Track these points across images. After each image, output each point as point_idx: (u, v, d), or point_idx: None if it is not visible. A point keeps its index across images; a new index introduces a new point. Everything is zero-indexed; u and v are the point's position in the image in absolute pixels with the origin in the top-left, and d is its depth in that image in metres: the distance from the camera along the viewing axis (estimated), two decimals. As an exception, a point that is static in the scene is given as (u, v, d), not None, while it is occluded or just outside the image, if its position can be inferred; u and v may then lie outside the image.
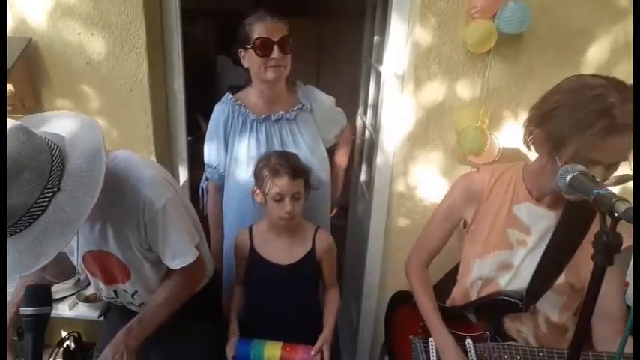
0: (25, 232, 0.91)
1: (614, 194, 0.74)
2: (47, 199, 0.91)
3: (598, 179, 0.82)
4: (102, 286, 1.34)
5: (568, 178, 0.84)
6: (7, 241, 0.91)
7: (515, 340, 1.20)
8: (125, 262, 1.23)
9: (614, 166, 0.99)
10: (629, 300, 1.70)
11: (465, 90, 1.61)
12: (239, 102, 1.67)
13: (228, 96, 1.70)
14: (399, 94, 1.75)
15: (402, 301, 1.45)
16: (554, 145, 1.01)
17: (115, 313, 1.46)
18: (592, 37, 1.55)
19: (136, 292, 1.32)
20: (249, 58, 1.59)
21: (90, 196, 0.94)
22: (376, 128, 1.95)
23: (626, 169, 1.01)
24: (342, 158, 1.92)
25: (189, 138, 2.00)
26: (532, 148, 1.11)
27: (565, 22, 1.54)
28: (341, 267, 2.79)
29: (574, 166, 0.86)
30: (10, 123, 0.92)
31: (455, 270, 1.39)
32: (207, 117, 1.77)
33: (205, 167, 1.78)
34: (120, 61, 1.69)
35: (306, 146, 1.69)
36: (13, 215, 0.89)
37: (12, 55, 1.60)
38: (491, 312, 1.22)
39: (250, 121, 1.65)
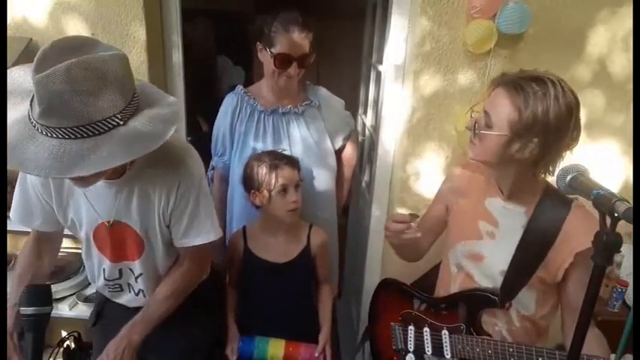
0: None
1: (614, 194, 0.74)
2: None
3: None
4: (106, 264, 1.29)
5: (568, 178, 0.85)
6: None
7: (489, 335, 1.23)
8: (141, 236, 1.22)
9: None
10: (629, 300, 1.71)
11: (465, 90, 1.61)
12: (249, 94, 1.68)
13: (239, 88, 1.71)
14: (399, 93, 1.75)
15: (387, 288, 1.50)
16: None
17: (107, 320, 1.37)
18: (592, 37, 1.56)
19: (141, 274, 1.29)
20: (265, 58, 1.58)
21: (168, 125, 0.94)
22: (376, 128, 1.95)
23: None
24: (349, 159, 1.85)
25: (189, 138, 2.00)
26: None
27: (565, 22, 1.54)
28: (341, 266, 2.79)
29: (574, 166, 0.86)
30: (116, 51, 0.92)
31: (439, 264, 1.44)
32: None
33: (212, 155, 1.78)
34: (120, 61, 1.69)
35: (312, 140, 1.68)
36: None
37: (12, 55, 1.60)
38: (469, 306, 1.25)
39: (258, 112, 1.65)
